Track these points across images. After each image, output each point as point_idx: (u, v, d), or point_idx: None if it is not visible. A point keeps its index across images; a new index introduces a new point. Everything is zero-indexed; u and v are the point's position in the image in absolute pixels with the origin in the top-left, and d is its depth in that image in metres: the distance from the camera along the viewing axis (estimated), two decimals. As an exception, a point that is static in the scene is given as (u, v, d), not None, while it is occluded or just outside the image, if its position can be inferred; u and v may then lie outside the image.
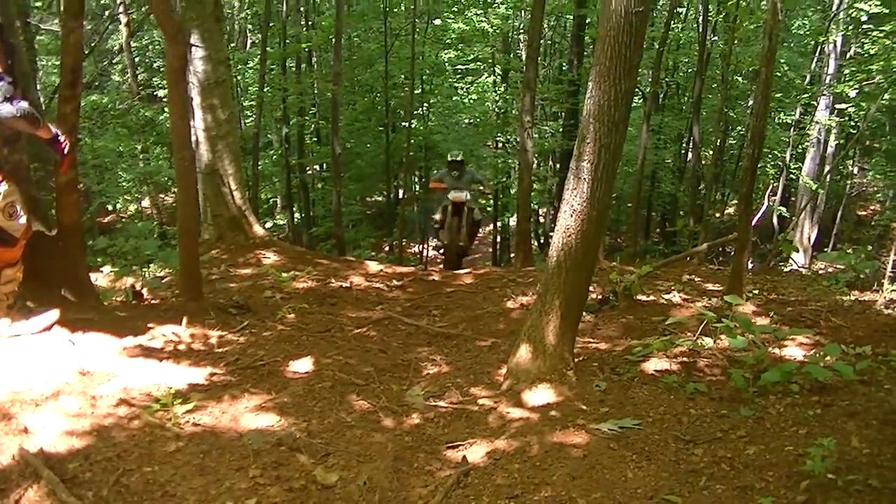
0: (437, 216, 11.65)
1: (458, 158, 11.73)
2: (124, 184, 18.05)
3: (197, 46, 9.04)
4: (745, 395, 4.11)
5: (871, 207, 24.40)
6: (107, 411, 3.70)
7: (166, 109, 7.89)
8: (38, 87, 13.36)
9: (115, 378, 4.11)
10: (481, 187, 12.05)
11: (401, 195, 20.77)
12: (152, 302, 6.77)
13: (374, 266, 9.13)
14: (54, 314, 4.64)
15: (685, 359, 4.78)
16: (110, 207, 19.94)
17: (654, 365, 4.70)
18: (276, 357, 4.88)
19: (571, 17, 19.72)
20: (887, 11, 14.36)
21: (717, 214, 19.38)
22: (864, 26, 15.92)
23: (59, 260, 5.24)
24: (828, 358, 4.35)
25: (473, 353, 5.40)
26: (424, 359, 5.27)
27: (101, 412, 3.68)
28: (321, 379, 4.55)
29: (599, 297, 6.69)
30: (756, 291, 6.98)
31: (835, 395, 4.02)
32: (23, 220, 4.40)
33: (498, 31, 19.80)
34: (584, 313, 5.19)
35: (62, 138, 4.61)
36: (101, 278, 7.12)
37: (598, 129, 4.04)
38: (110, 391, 3.92)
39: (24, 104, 4.15)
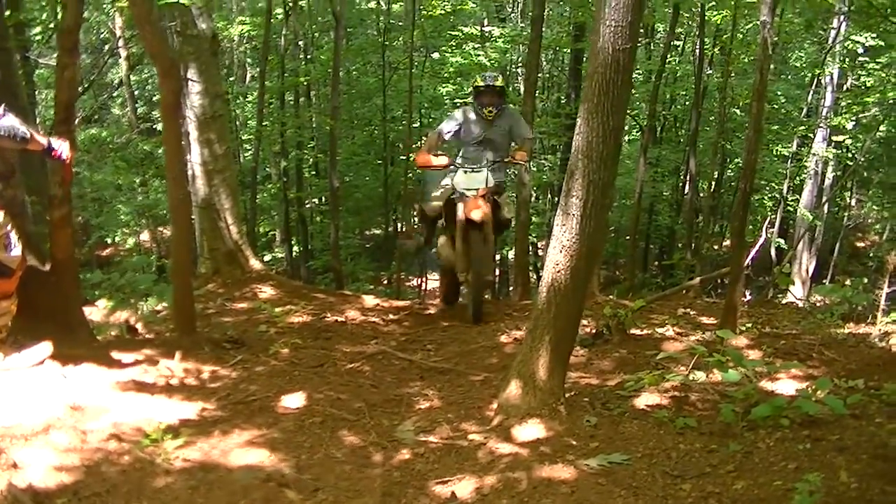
0: (432, 205, 7.80)
1: (497, 84, 7.60)
2: (123, 217, 18.09)
3: (193, 81, 9.11)
4: (734, 429, 4.10)
5: (869, 239, 24.44)
6: (97, 446, 3.70)
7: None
8: (37, 120, 13.46)
9: (106, 413, 4.11)
10: (522, 148, 7.61)
11: (399, 228, 20.79)
12: (147, 336, 6.78)
13: (370, 300, 9.13)
14: (47, 348, 4.64)
15: (676, 393, 4.78)
16: (109, 240, 19.96)
17: (645, 399, 4.70)
18: (268, 392, 4.89)
19: (569, 51, 19.83)
20: (883, 44, 14.51)
21: (715, 247, 19.42)
22: (861, 59, 16.09)
23: (51, 295, 5.24)
24: (819, 392, 4.34)
25: (466, 387, 5.39)
26: (416, 394, 5.26)
27: (92, 447, 3.68)
28: (312, 414, 4.55)
29: (593, 331, 6.68)
30: (750, 325, 6.98)
31: (825, 430, 4.01)
32: (18, 250, 4.39)
33: (496, 65, 19.88)
34: (577, 347, 5.20)
35: (56, 145, 4.53)
36: (96, 312, 7.13)
37: (587, 165, 4.07)
38: (101, 426, 3.92)
39: (6, 122, 4.09)
